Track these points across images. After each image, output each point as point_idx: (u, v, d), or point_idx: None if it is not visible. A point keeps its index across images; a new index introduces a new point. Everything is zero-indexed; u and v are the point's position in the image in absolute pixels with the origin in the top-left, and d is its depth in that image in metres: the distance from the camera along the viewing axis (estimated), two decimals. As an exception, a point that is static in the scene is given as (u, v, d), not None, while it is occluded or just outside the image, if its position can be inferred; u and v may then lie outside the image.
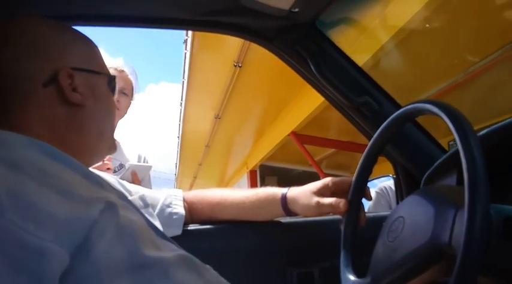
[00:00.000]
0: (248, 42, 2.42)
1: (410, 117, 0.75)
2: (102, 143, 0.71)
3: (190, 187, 11.34)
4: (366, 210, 0.89)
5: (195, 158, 8.40)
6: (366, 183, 0.87)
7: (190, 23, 1.08)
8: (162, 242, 0.60)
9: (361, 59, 2.90)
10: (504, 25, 2.72)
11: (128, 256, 0.50)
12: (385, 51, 3.06)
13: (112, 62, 1.69)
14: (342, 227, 0.85)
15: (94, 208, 0.48)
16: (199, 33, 3.50)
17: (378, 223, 0.78)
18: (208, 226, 1.01)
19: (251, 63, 3.81)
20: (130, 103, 1.74)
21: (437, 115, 0.61)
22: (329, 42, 1.14)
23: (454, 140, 0.56)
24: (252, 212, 0.99)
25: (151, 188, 1.55)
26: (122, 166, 1.72)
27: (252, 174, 7.63)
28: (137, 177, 1.65)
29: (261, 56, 3.04)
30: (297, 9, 0.99)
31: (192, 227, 1.00)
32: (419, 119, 0.85)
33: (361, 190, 0.86)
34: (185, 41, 4.00)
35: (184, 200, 1.01)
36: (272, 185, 1.01)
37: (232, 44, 3.58)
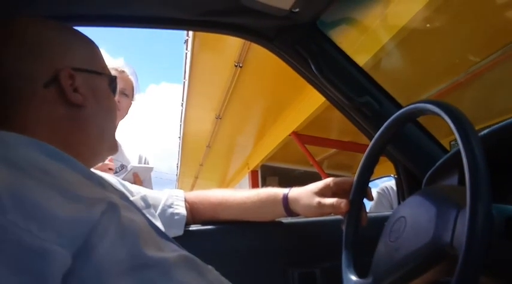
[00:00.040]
0: (249, 42, 2.42)
1: (412, 117, 0.75)
2: (103, 144, 0.71)
3: (192, 188, 11.35)
4: (367, 210, 0.89)
5: (196, 158, 8.40)
6: (368, 183, 0.87)
7: (190, 23, 1.08)
8: (163, 243, 0.60)
9: (362, 59, 2.90)
10: (505, 25, 2.72)
11: (130, 257, 0.50)
12: (386, 51, 3.06)
13: (113, 62, 1.69)
14: (344, 228, 0.85)
15: (96, 209, 0.48)
16: (199, 34, 3.51)
17: (379, 223, 0.78)
18: (209, 227, 1.01)
19: (252, 64, 3.81)
20: (131, 104, 1.74)
21: (438, 115, 0.61)
22: (330, 42, 1.14)
23: (455, 140, 0.56)
24: (253, 212, 1.00)
25: (152, 188, 1.55)
26: (123, 166, 1.73)
27: (254, 174, 7.63)
28: (139, 178, 1.66)
29: (262, 56, 3.04)
30: (297, 9, 0.99)
31: (193, 227, 1.00)
32: (421, 119, 0.85)
33: (363, 190, 0.86)
34: (186, 41, 4.00)
35: (185, 200, 1.01)
36: (273, 185, 1.01)
37: (233, 44, 3.58)
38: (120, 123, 1.67)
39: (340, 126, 4.80)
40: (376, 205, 1.88)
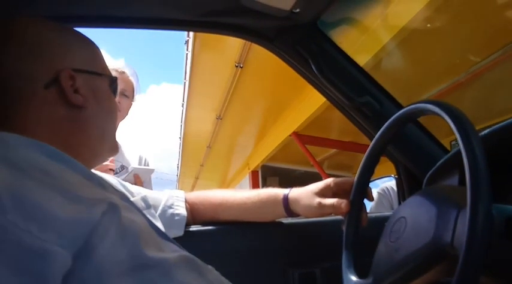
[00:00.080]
0: (249, 42, 2.42)
1: (412, 117, 0.75)
2: (103, 144, 0.71)
3: (192, 188, 11.35)
4: (367, 211, 0.89)
5: (196, 159, 8.40)
6: (368, 184, 0.87)
7: (190, 23, 1.08)
8: (164, 243, 0.60)
9: (362, 59, 2.91)
10: (505, 25, 2.72)
11: (130, 257, 0.50)
12: (386, 51, 3.06)
13: (113, 63, 1.69)
14: (344, 228, 0.85)
15: (96, 210, 0.48)
16: (200, 34, 3.51)
17: (379, 223, 0.78)
18: (210, 227, 1.01)
19: (252, 64, 3.81)
20: (131, 104, 1.74)
21: (438, 115, 0.61)
22: (330, 43, 1.14)
23: (456, 140, 0.56)
24: (253, 213, 1.00)
25: (152, 189, 1.55)
26: (123, 167, 1.73)
27: (254, 174, 7.63)
28: (140, 179, 1.66)
29: (262, 56, 3.04)
30: (298, 10, 0.99)
31: (194, 228, 1.00)
32: (421, 119, 0.85)
33: (363, 190, 0.86)
34: (186, 42, 4.00)
35: (186, 201, 1.01)
36: (274, 186, 1.01)
37: (233, 44, 3.58)
38: (120, 124, 1.67)
39: (340, 126, 4.80)
40: (376, 206, 1.88)
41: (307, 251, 1.07)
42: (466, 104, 3.53)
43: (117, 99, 0.75)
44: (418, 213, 0.67)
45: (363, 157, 0.84)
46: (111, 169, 1.56)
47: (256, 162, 7.29)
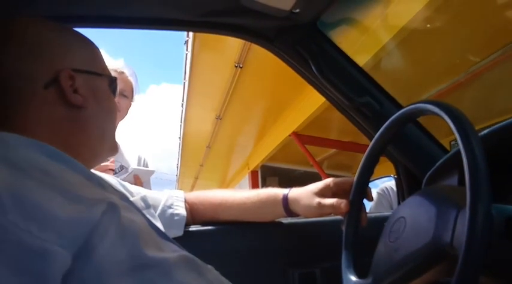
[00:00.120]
0: (249, 43, 2.42)
1: (412, 118, 0.75)
2: (103, 144, 0.71)
3: (192, 188, 11.35)
4: (367, 211, 0.89)
5: (196, 159, 8.40)
6: (368, 184, 0.87)
7: (190, 24, 1.08)
8: (164, 243, 0.60)
9: (362, 59, 2.91)
10: (505, 25, 2.72)
11: (130, 257, 0.50)
12: (386, 51, 3.07)
13: (112, 63, 1.69)
14: (344, 228, 0.85)
15: (96, 209, 0.48)
16: (200, 34, 3.51)
17: (379, 223, 0.78)
18: (209, 227, 1.01)
19: (252, 64, 3.81)
20: (130, 104, 1.74)
21: (438, 115, 0.61)
22: (330, 43, 1.14)
23: (455, 140, 0.56)
24: (253, 213, 1.00)
25: (150, 189, 1.55)
26: (122, 167, 1.73)
27: (254, 174, 7.63)
28: (140, 180, 1.66)
29: (262, 56, 3.04)
30: (297, 10, 0.99)
31: (193, 228, 1.00)
32: (421, 119, 0.85)
33: (363, 190, 0.86)
34: (186, 42, 4.00)
35: (185, 201, 1.01)
36: (273, 186, 1.01)
37: (233, 44, 3.58)
38: (119, 124, 1.67)
39: (340, 126, 4.80)
40: (375, 206, 1.88)
41: (307, 251, 1.07)
42: (465, 104, 3.53)
43: (116, 99, 0.75)
44: (417, 213, 0.67)
45: (363, 157, 0.84)
46: (111, 170, 1.56)
47: (255, 162, 7.29)
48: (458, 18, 2.70)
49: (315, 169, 5.35)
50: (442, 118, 0.59)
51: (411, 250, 0.63)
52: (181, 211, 0.97)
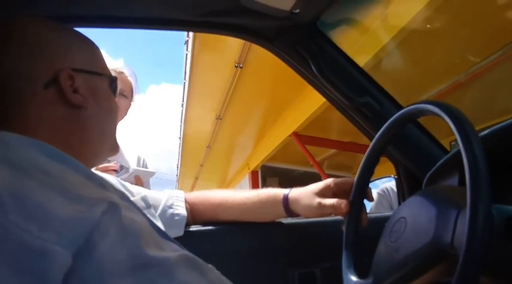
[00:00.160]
0: (249, 43, 2.42)
1: (412, 118, 0.75)
2: (104, 144, 0.71)
3: (192, 188, 11.34)
4: (367, 211, 0.89)
5: (196, 159, 8.40)
6: (368, 184, 0.87)
7: (190, 24, 1.08)
8: (164, 243, 0.60)
9: (362, 60, 2.91)
10: (505, 25, 2.72)
11: (131, 256, 0.50)
12: (386, 51, 3.07)
13: (112, 63, 1.69)
14: (344, 228, 0.85)
15: (96, 209, 0.48)
16: (200, 34, 3.51)
17: (379, 223, 0.78)
18: (210, 227, 1.01)
19: (252, 64, 3.81)
20: (130, 105, 1.74)
21: (438, 115, 0.61)
22: (330, 43, 1.14)
23: (455, 140, 0.56)
24: (253, 213, 1.00)
25: (150, 189, 1.55)
26: (122, 167, 1.73)
27: (254, 174, 7.63)
28: (141, 181, 1.66)
29: (262, 56, 3.04)
30: (297, 10, 0.99)
31: (193, 228, 1.00)
32: (421, 119, 0.85)
33: (363, 191, 0.86)
34: (186, 42, 4.00)
35: (186, 201, 1.01)
36: (274, 186, 1.02)
37: (233, 44, 3.58)
38: (118, 124, 1.67)
39: (340, 126, 4.80)
40: (376, 206, 1.88)
41: (307, 251, 1.07)
42: (465, 104, 3.53)
43: (115, 99, 0.75)
44: (418, 213, 0.67)
45: (363, 158, 0.84)
46: (113, 170, 1.56)
47: (256, 162, 7.29)
48: (458, 18, 2.70)
49: (315, 170, 5.35)
50: (442, 118, 0.59)
51: (412, 250, 0.63)
52: (182, 211, 0.97)
